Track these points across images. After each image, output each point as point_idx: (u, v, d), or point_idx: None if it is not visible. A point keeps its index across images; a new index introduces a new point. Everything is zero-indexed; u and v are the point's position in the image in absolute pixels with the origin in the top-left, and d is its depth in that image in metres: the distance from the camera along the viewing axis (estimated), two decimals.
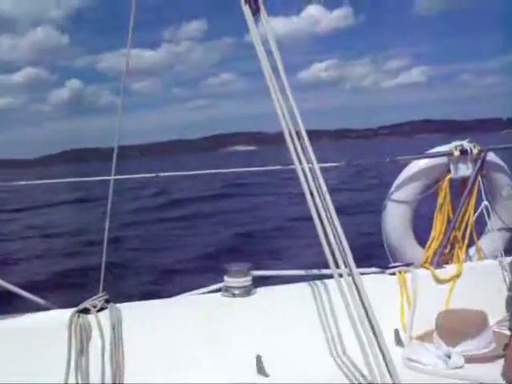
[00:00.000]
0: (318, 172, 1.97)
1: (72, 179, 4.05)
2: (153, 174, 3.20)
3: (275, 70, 2.15)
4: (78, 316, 2.47)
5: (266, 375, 2.54)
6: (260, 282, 2.84)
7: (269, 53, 2.17)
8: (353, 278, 1.82)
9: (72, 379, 2.38)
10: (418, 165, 3.61)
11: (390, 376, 1.70)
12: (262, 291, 2.79)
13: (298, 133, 2.07)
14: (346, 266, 1.85)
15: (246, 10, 2.18)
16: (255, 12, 2.20)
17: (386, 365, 1.72)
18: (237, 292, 2.72)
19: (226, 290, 2.74)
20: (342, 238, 1.86)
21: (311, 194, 1.93)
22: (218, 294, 2.78)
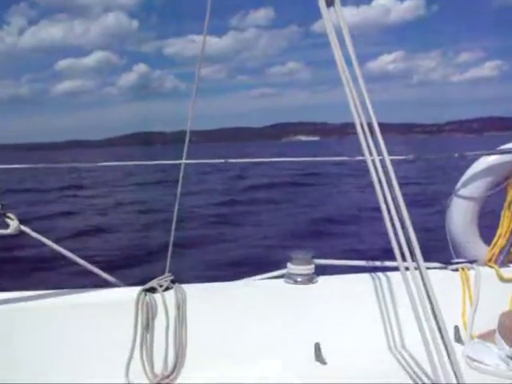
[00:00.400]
0: (389, 164, 1.95)
1: (145, 162, 4.15)
2: (222, 160, 3.25)
3: (345, 60, 2.13)
4: (145, 294, 2.56)
5: (324, 363, 2.57)
6: (323, 270, 2.86)
7: (341, 43, 2.16)
8: (420, 273, 1.81)
9: (137, 354, 2.48)
10: (487, 161, 3.52)
11: (455, 374, 1.69)
12: (324, 279, 2.81)
13: (368, 124, 2.06)
14: (412, 260, 1.84)
15: (321, 1, 2.17)
16: (330, 4, 2.19)
17: (451, 363, 1.71)
18: (299, 279, 2.75)
19: (289, 276, 2.77)
20: (411, 231, 1.85)
21: (381, 185, 1.92)
22: (281, 280, 2.81)
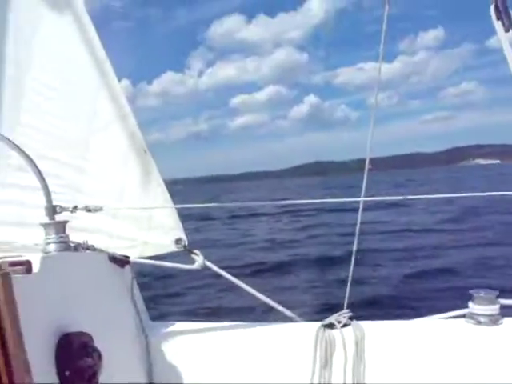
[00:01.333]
0: None
1: (322, 200, 4.23)
2: (401, 197, 3.20)
3: None
4: (324, 330, 2.59)
5: None
6: (510, 311, 2.68)
7: None
8: None
9: None
10: None
11: None
12: (510, 321, 2.63)
13: None
14: None
15: (498, 26, 2.13)
16: (508, 29, 2.14)
17: None
18: (482, 320, 2.60)
19: (471, 316, 2.64)
20: None
21: None
22: (462, 319, 2.69)
